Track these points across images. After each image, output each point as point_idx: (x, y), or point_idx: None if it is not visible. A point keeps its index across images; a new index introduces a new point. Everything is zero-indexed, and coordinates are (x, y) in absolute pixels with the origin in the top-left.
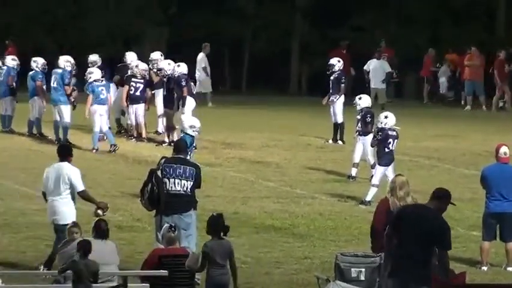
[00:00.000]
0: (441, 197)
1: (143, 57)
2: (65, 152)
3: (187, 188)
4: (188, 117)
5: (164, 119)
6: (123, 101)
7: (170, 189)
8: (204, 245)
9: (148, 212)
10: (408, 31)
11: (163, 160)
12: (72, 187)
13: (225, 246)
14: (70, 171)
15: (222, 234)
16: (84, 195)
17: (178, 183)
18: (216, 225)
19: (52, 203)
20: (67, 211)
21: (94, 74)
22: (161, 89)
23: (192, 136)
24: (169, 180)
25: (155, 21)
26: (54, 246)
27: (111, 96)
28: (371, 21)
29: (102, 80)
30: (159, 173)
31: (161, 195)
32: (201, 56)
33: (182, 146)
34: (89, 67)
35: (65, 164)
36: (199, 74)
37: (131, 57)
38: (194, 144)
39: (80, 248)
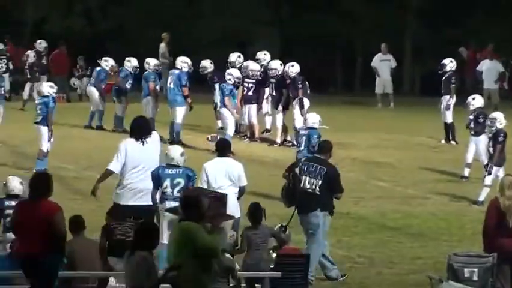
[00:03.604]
0: None
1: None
2: (225, 147)
3: (315, 187)
4: (312, 114)
5: (277, 119)
6: (238, 102)
7: (302, 186)
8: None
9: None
10: None
11: (304, 158)
12: (239, 181)
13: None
14: (238, 166)
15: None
16: (243, 191)
17: (308, 181)
18: (256, 214)
19: None
20: (236, 205)
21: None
22: (268, 89)
23: (316, 129)
24: (302, 178)
25: (267, 22)
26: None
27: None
28: (482, 22)
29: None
30: (297, 170)
31: (296, 191)
32: (375, 58)
33: (325, 148)
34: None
35: (229, 159)
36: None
37: (233, 58)
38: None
39: None
